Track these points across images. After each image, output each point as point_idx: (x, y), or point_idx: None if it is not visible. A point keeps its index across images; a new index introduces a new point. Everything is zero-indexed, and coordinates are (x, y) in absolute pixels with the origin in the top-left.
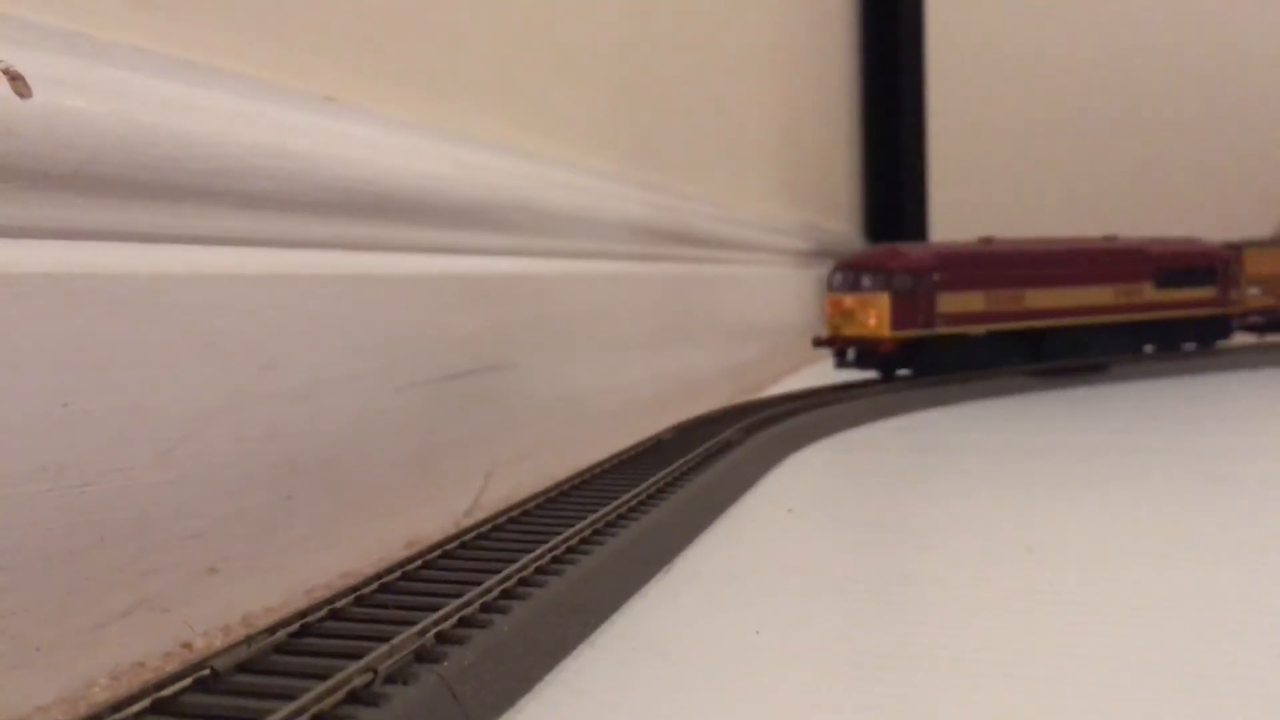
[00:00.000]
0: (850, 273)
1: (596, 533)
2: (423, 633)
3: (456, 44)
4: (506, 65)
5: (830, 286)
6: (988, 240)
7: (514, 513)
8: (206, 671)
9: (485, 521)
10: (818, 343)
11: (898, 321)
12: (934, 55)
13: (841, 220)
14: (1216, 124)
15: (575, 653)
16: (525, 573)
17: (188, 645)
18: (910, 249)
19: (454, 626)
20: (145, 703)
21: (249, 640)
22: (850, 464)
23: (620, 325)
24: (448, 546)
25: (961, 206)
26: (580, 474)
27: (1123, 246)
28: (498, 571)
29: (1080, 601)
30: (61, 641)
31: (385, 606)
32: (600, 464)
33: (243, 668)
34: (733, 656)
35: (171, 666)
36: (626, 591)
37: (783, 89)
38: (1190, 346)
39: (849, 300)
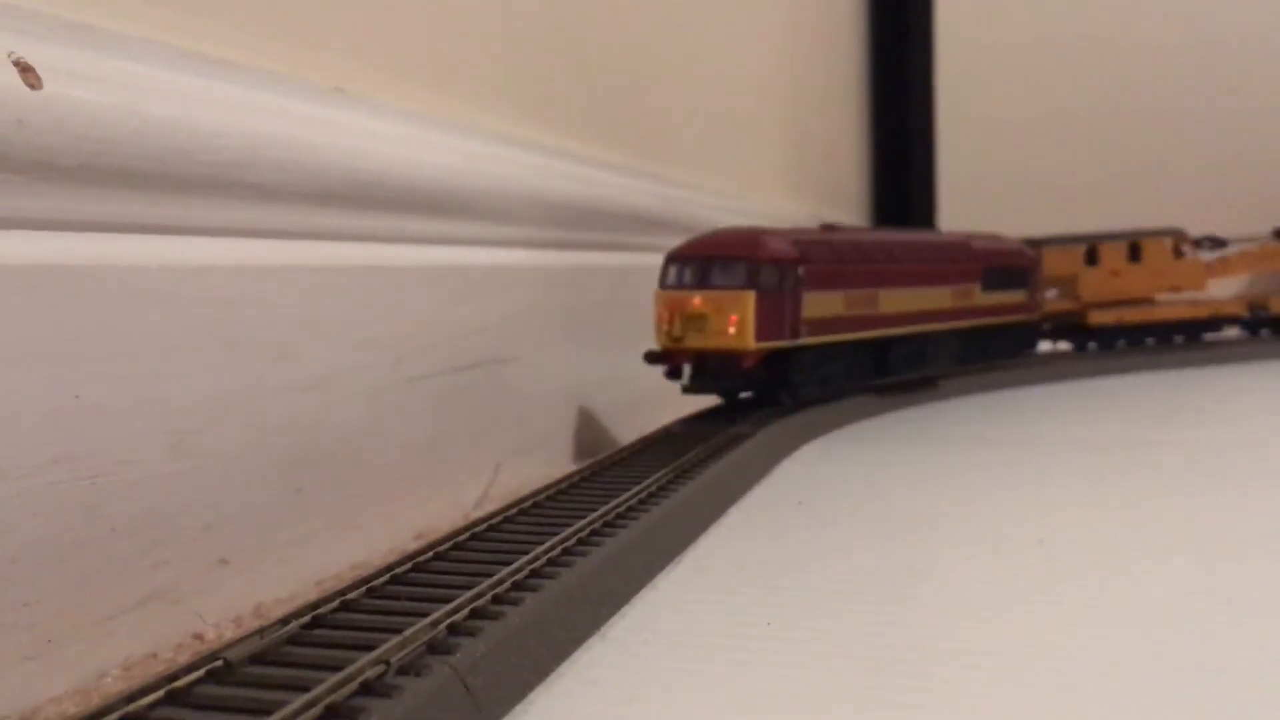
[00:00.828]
0: (697, 264)
1: (607, 524)
2: (434, 624)
3: (464, 36)
4: (514, 57)
5: (665, 282)
6: (830, 228)
7: (524, 504)
8: (219, 663)
9: (496, 513)
10: (651, 358)
11: (764, 329)
12: (943, 45)
13: (850, 212)
14: (1231, 117)
15: (587, 644)
16: (536, 564)
17: (199, 636)
18: (769, 234)
19: (466, 618)
20: (158, 694)
21: (261, 632)
22: (861, 456)
23: (628, 316)
24: (458, 538)
25: (971, 198)
26: (590, 465)
27: (956, 241)
28: (509, 563)
29: (1091, 595)
30: (73, 633)
31: (397, 598)
32: (610, 456)
33: (255, 659)
34: (745, 648)
35: (183, 658)
36: (638, 583)
37: (790, 79)
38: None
39: (698, 300)
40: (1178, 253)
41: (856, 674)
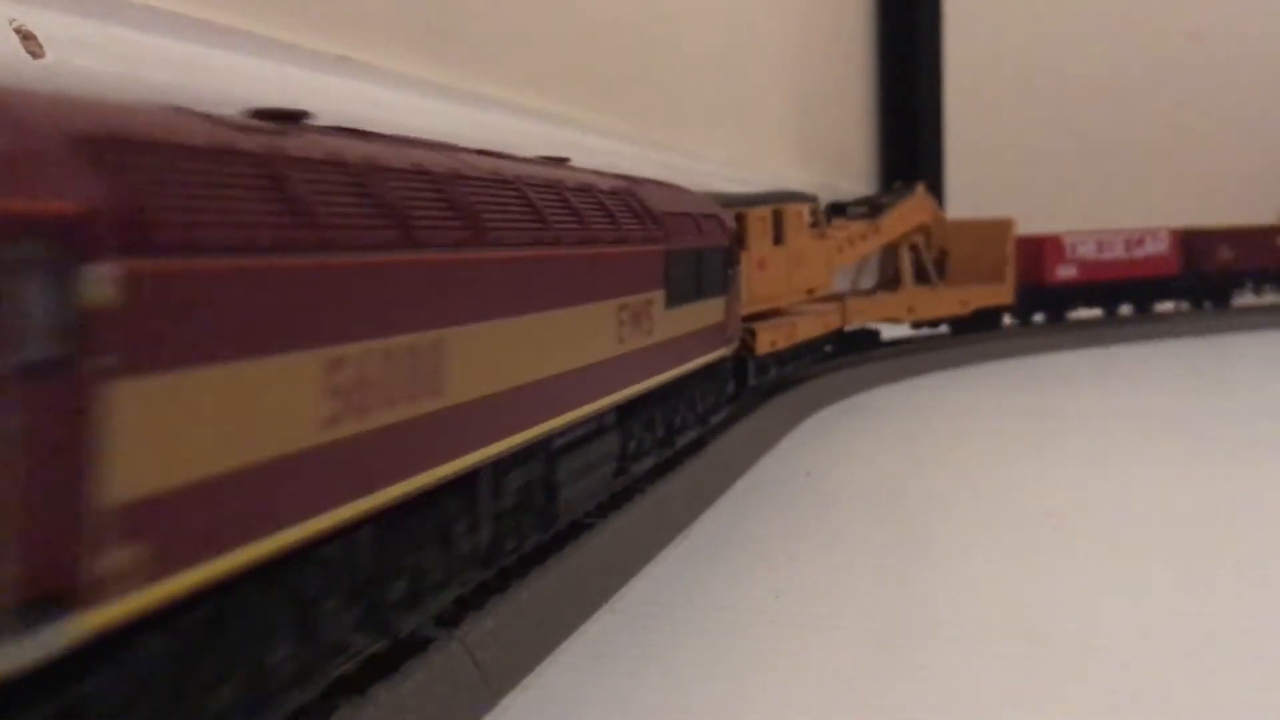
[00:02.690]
0: None
1: (615, 497)
2: (443, 598)
3: (468, 3)
4: (520, 25)
5: None
6: (269, 117)
7: None
8: None
9: None
10: None
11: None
12: (951, 10)
13: (857, 181)
14: (1248, 102)
15: (595, 617)
16: (544, 538)
17: None
18: None
19: (473, 592)
20: None
21: None
22: (867, 427)
23: None
24: None
25: (979, 167)
26: None
27: (605, 188)
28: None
29: (1099, 571)
30: None
31: None
32: None
33: None
34: (753, 620)
35: None
36: (646, 556)
37: (798, 48)
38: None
39: None
40: (814, 225)
41: (865, 648)
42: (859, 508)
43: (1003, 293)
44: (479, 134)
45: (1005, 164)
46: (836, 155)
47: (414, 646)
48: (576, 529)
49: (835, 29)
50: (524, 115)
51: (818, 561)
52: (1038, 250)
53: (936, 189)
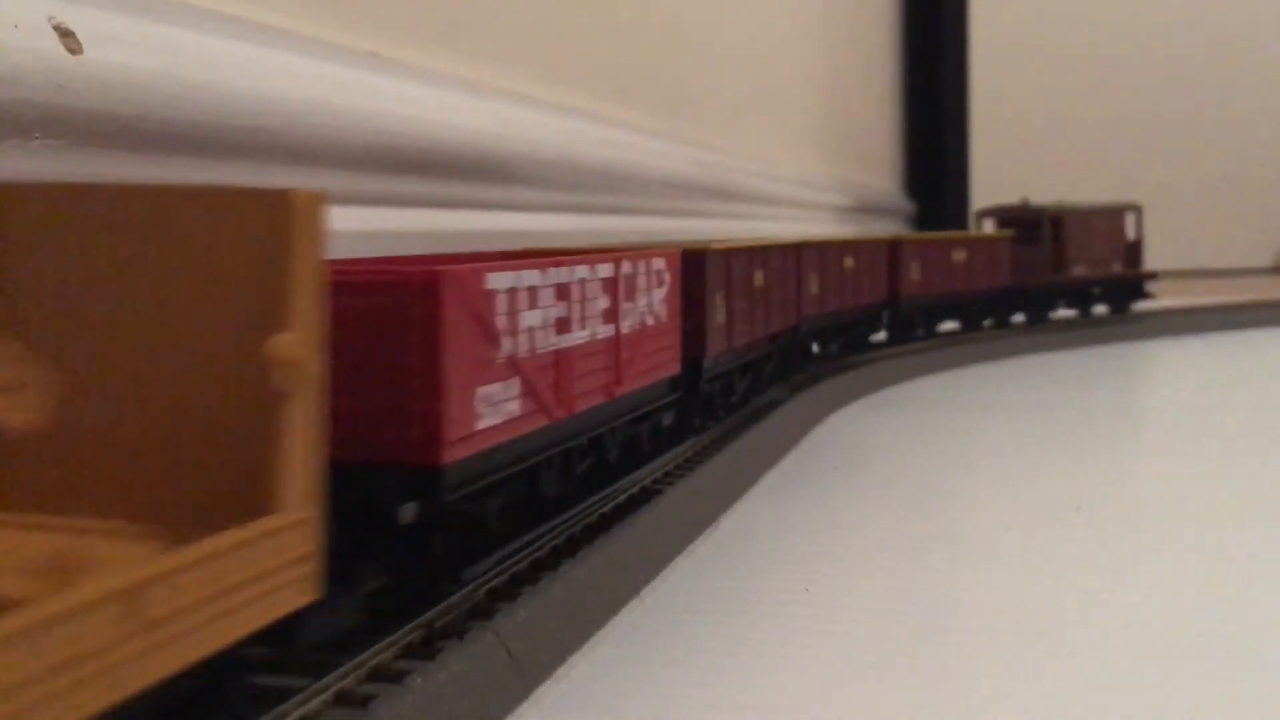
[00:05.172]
0: None
1: (645, 490)
2: (476, 590)
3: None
4: (547, 21)
5: None
6: None
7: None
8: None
9: None
10: None
11: None
12: (977, 12)
13: (883, 176)
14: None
15: (626, 609)
16: (575, 530)
17: None
18: None
19: (507, 584)
20: None
21: None
22: (894, 421)
23: None
24: None
25: (1005, 161)
26: None
27: None
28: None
29: (1127, 559)
30: None
31: None
32: None
33: None
34: (783, 614)
35: None
36: (675, 548)
37: (825, 46)
38: None
39: None
40: None
41: (896, 641)
42: (888, 501)
43: None
44: (506, 130)
45: (1034, 157)
46: (863, 149)
47: (449, 637)
48: (606, 522)
49: (861, 23)
50: (552, 111)
51: (848, 555)
52: None
53: (962, 187)
